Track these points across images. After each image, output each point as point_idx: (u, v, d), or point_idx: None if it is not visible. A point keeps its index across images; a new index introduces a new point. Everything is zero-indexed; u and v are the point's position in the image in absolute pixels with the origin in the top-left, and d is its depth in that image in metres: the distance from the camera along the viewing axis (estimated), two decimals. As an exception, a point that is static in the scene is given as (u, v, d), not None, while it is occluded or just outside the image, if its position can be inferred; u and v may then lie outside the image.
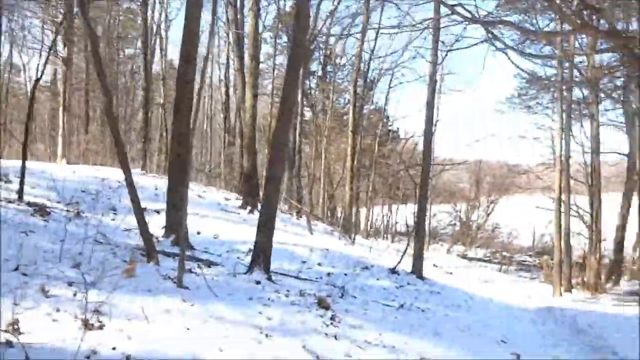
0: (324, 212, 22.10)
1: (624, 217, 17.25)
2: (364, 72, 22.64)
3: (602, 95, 16.47)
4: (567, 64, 13.77)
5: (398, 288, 9.23)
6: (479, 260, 22.24)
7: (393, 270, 10.31)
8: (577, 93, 17.14)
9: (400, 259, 10.57)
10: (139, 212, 6.12)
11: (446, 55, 11.67)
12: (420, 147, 25.93)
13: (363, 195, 25.99)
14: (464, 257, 22.14)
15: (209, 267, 6.87)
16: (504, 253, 23.86)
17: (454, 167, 25.17)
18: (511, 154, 41.61)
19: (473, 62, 56.34)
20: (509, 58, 5.68)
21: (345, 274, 9.15)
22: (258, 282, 6.35)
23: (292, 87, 7.09)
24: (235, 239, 9.53)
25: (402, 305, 7.62)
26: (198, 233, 9.41)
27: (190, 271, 6.17)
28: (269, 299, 5.72)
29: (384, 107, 25.71)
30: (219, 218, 11.82)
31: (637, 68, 4.86)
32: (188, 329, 4.24)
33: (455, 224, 30.29)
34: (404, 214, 23.23)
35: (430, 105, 10.11)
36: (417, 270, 10.51)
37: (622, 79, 14.35)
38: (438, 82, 15.99)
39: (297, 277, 7.64)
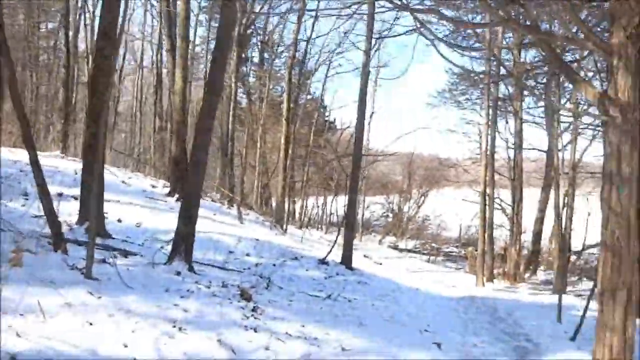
0: (258, 202, 21.81)
1: (542, 211, 18.30)
2: (299, 60, 22.41)
3: (526, 92, 17.32)
4: (494, 62, 14.29)
5: (327, 278, 9.19)
6: (409, 251, 22.82)
7: (323, 261, 10.26)
8: (503, 90, 17.93)
9: (330, 250, 10.54)
10: (45, 196, 5.59)
11: (378, 43, 11.68)
12: (356, 138, 26.20)
13: (299, 186, 25.90)
14: (395, 248, 22.63)
15: (126, 256, 6.44)
16: (433, 244, 24.64)
17: (385, 158, 25.55)
18: (442, 148, 43.02)
19: (408, 56, 57.86)
20: (437, 50, 5.70)
21: (274, 265, 8.99)
22: (178, 273, 6.03)
23: (220, 67, 6.77)
24: (159, 227, 9.06)
25: (329, 296, 7.56)
26: (119, 221, 8.87)
27: (103, 261, 5.74)
28: (187, 290, 5.43)
29: (321, 96, 25.65)
30: (144, 206, 11.24)
31: (557, 66, 4.99)
32: (91, 323, 3.89)
33: (388, 216, 30.91)
34: (339, 204, 23.37)
35: (362, 94, 10.08)
36: (346, 260, 10.53)
37: (544, 77, 15.12)
38: (373, 73, 16.08)
39: (222, 268, 7.37)
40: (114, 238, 7.46)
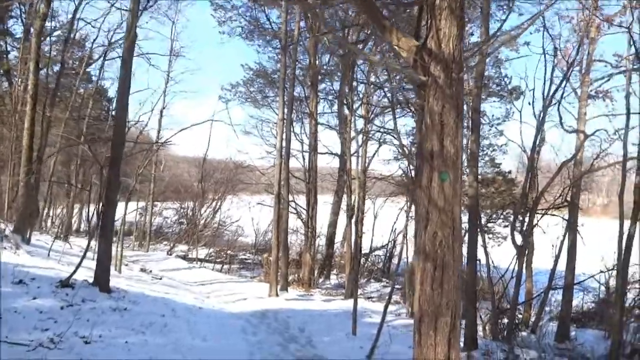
0: (7, 205, 17.15)
1: (335, 214, 18.16)
2: (75, 40, 18.56)
3: (321, 95, 16.93)
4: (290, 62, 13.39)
5: (64, 308, 6.59)
6: (202, 260, 20.70)
7: (66, 283, 7.55)
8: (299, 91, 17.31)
9: (77, 267, 7.83)
10: None
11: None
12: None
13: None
14: (184, 257, 20.24)
15: None
16: (229, 251, 22.92)
17: (163, 146, 22.72)
18: (240, 151, 41.30)
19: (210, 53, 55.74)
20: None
21: (-22, 295, 6.08)
22: None
23: None
24: None
25: (51, 340, 5.10)
26: None
27: None
28: None
29: (98, 83, 21.97)
30: None
31: (365, 12, 3.65)
32: None
33: (182, 222, 28.29)
34: (128, 209, 19.97)
35: (126, 64, 7.68)
36: (101, 280, 7.95)
37: (338, 83, 14.83)
38: (164, 65, 13.63)
39: None
40: None
